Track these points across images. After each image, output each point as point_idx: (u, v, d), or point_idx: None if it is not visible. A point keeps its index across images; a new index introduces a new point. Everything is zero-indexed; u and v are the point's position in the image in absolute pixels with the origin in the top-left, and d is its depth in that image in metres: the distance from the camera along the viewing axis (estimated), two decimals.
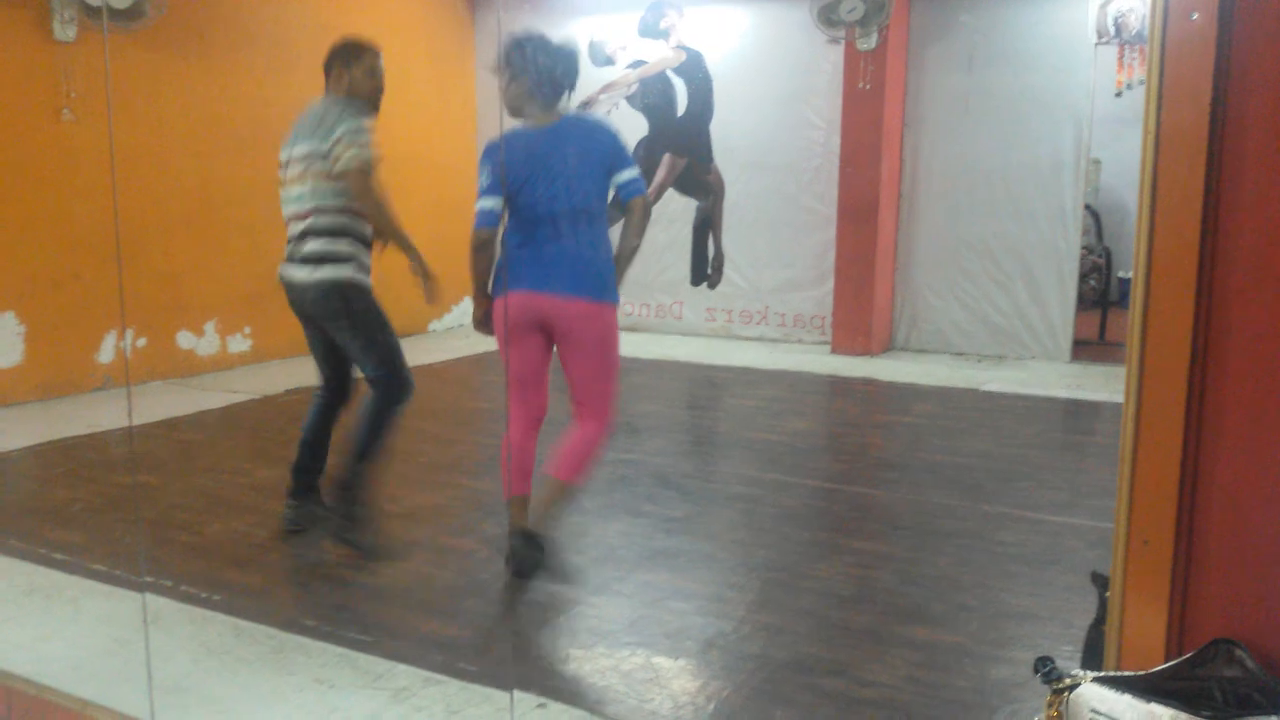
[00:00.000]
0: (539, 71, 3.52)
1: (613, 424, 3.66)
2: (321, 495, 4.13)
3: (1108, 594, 1.80)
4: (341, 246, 3.86)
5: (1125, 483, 1.57)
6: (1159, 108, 1.40)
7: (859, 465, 5.37)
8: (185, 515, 4.36)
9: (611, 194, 3.61)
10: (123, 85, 6.82)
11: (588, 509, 4.48)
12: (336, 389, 4.11)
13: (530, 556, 3.54)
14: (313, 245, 3.85)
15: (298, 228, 3.89)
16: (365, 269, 3.92)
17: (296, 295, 3.95)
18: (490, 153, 3.52)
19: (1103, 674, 1.75)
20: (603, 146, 3.55)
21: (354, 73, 3.92)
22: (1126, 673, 1.76)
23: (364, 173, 3.72)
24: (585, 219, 3.51)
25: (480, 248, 3.52)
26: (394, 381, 3.91)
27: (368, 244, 3.94)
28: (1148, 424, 1.54)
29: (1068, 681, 1.73)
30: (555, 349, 3.64)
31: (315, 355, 4.12)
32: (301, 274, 3.87)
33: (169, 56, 6.91)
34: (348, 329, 3.89)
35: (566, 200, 3.47)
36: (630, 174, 3.57)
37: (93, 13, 6.30)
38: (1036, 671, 1.74)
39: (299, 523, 4.11)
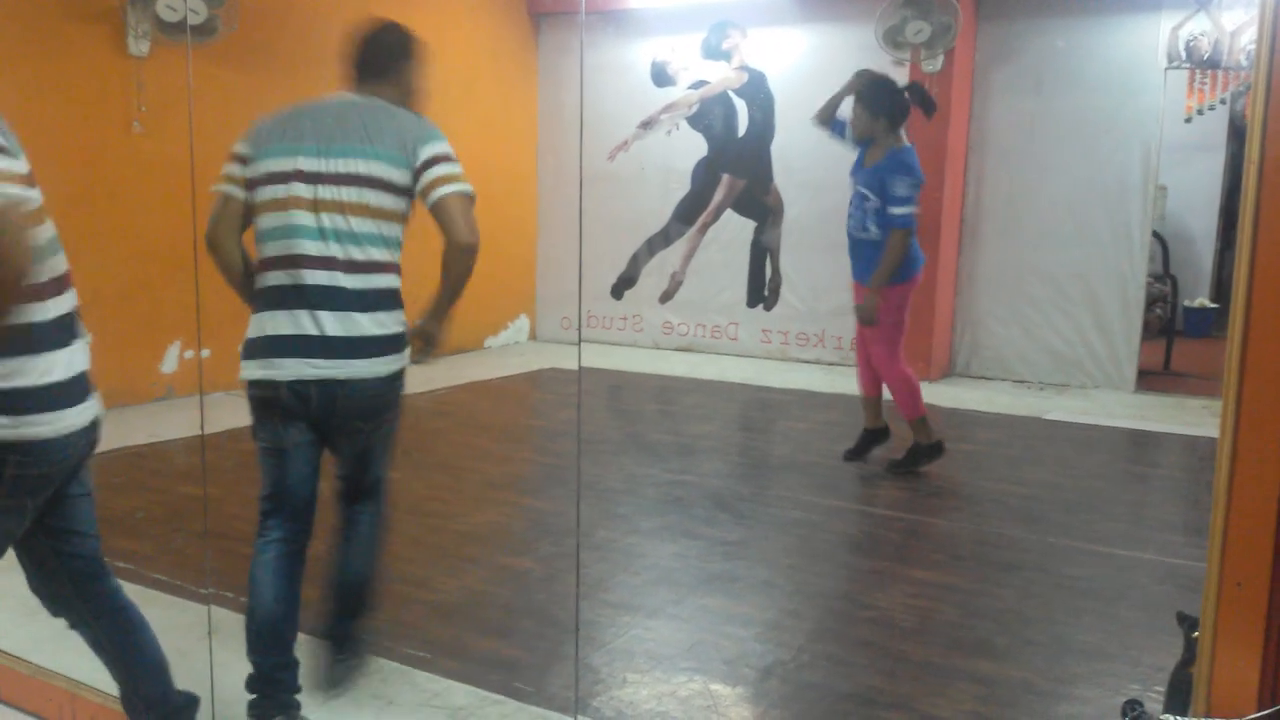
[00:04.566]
0: (874, 109, 5.25)
1: (896, 371, 5.45)
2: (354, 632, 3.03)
3: (1196, 635, 1.74)
4: (397, 324, 2.71)
5: (1219, 522, 1.51)
6: (1264, 137, 1.35)
7: (918, 492, 5.29)
8: (246, 527, 4.37)
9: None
10: (194, 99, 6.93)
11: (643, 529, 4.45)
12: (307, 520, 2.84)
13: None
14: (362, 323, 2.62)
15: (313, 279, 2.60)
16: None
17: (314, 393, 2.64)
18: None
19: None
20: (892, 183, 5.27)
21: (414, 70, 2.88)
22: None
23: (470, 209, 2.75)
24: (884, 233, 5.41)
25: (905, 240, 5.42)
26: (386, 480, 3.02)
27: None
28: (1244, 462, 1.48)
29: None
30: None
31: (298, 477, 2.77)
32: (333, 369, 2.61)
33: (238, 71, 7.02)
34: (388, 426, 2.86)
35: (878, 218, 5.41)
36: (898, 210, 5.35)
37: (166, 28, 6.43)
38: (1124, 716, 1.69)
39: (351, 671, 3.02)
